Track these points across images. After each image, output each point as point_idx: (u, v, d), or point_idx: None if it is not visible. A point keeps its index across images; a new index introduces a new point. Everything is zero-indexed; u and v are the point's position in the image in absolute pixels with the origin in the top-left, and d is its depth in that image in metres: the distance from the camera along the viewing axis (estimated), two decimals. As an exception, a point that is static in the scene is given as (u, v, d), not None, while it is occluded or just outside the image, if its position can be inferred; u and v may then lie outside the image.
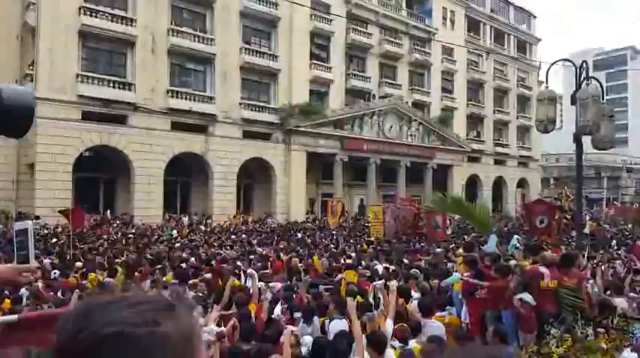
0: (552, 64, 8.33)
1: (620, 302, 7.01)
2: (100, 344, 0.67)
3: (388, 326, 5.27)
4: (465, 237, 17.36)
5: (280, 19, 29.57)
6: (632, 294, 7.56)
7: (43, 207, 20.94)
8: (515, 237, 8.47)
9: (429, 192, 32.14)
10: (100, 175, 25.63)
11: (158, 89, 24.81)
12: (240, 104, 27.73)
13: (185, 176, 27.90)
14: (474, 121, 43.49)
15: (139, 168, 24.01)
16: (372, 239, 17.98)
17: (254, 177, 30.11)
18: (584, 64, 7.85)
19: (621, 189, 61.13)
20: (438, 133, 37.03)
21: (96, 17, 22.89)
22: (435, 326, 5.82)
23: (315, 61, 31.45)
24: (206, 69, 27.22)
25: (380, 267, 9.71)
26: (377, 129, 32.97)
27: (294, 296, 7.53)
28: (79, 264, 10.67)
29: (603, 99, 8.09)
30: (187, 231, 21.51)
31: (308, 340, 5.24)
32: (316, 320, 6.07)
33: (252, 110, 28.13)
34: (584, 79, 7.27)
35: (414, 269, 9.21)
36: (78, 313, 0.73)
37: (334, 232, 20.97)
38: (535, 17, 51.01)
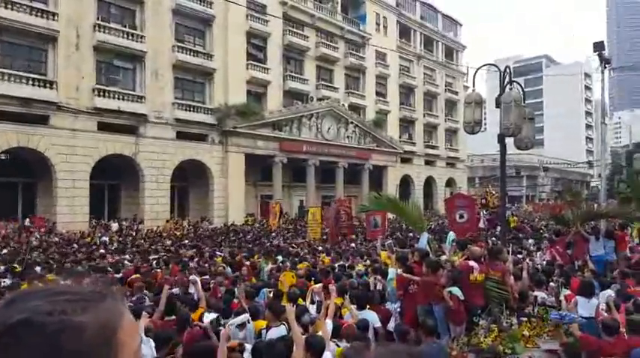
0: (479, 67, 8.80)
1: (539, 293, 7.56)
2: (7, 331, 0.68)
3: (328, 326, 5.34)
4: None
5: (215, 18, 29.01)
6: (552, 284, 8.16)
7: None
8: (451, 233, 8.86)
9: (366, 192, 32.89)
10: (18, 179, 23.86)
11: (83, 88, 23.47)
12: (173, 104, 26.86)
13: (114, 179, 26.62)
14: (406, 124, 45.06)
15: (62, 171, 22.58)
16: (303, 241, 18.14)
17: (189, 179, 29.30)
18: (507, 69, 8.37)
19: (538, 186, 65.92)
20: (373, 135, 37.98)
21: (12, 9, 21.21)
22: (369, 315, 6.03)
23: (251, 62, 31.15)
24: (136, 67, 26.11)
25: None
26: (315, 130, 33.26)
27: (234, 300, 7.45)
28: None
29: (524, 102, 8.69)
30: (117, 236, 20.56)
31: (248, 347, 5.20)
32: (250, 325, 6.01)
33: (186, 110, 27.34)
34: (507, 83, 7.74)
35: (358, 268, 9.51)
36: (2, 303, 0.74)
37: (274, 234, 20.97)
38: (461, 25, 53.68)
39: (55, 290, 0.74)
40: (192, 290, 8.04)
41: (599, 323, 5.48)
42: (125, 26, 25.56)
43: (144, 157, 25.44)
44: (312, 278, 8.98)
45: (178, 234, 22.48)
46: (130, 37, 25.19)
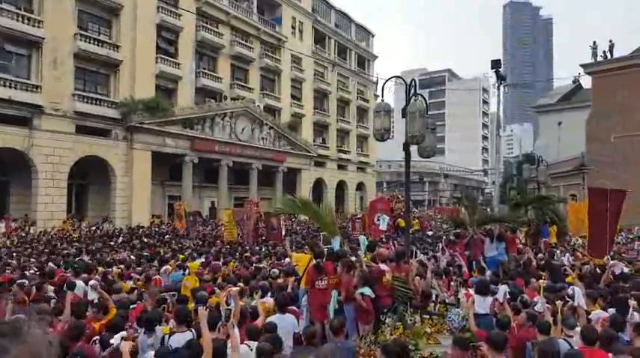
0: (387, 80, 9.20)
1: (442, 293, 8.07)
2: None
3: (235, 330, 5.27)
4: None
5: (123, 8, 27.42)
6: (451, 283, 8.74)
7: None
8: (362, 237, 9.18)
9: (280, 195, 32.91)
10: None
11: (-33, 72, 21.08)
12: (73, 95, 24.91)
13: (2, 175, 24.11)
14: (320, 128, 45.90)
15: (-62, 164, 20.07)
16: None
17: (89, 177, 27.34)
18: (413, 82, 8.86)
19: (439, 192, 70.42)
20: (287, 138, 38.16)
21: None
22: (288, 320, 6.04)
23: (161, 55, 29.84)
24: (32, 54, 23.89)
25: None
26: (229, 130, 32.65)
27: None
28: None
29: (427, 113, 9.25)
30: (5, 238, 18.66)
31: (150, 355, 4.97)
32: (159, 330, 5.77)
33: (87, 103, 25.47)
34: (412, 95, 8.17)
35: (274, 270, 9.63)
36: None
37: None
38: (374, 36, 55.79)
39: None
40: (91, 296, 7.53)
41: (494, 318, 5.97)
42: (20, 9, 23.30)
43: (38, 152, 23.33)
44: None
45: (75, 235, 20.93)
46: (26, 21, 23.03)
